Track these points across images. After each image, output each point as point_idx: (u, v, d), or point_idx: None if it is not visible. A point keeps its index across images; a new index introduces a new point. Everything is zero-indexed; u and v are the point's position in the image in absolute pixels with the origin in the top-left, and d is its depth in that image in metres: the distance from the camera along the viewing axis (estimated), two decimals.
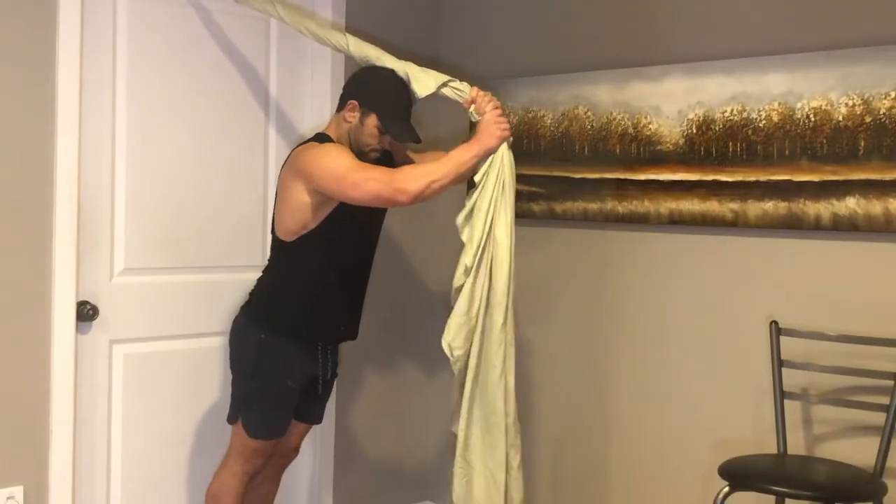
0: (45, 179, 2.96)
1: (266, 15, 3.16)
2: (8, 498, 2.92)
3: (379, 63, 2.90)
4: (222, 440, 3.44)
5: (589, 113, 3.53)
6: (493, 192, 2.74)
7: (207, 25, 3.34)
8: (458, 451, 2.83)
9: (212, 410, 3.41)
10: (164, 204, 3.27)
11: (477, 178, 2.77)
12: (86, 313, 3.07)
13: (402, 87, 2.87)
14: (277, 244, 2.96)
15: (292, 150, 2.96)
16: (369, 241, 3.06)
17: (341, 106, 2.95)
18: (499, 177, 2.75)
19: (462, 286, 2.77)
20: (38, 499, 2.99)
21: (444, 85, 2.83)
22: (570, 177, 3.52)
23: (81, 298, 3.07)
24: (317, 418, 3.19)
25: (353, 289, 3.04)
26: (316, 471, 3.69)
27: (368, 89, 2.89)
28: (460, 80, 2.86)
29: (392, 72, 2.87)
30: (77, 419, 3.07)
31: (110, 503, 3.20)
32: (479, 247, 2.75)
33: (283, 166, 2.96)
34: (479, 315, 2.77)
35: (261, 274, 3.06)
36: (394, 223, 3.63)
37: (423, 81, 2.84)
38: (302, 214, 2.84)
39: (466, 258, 2.76)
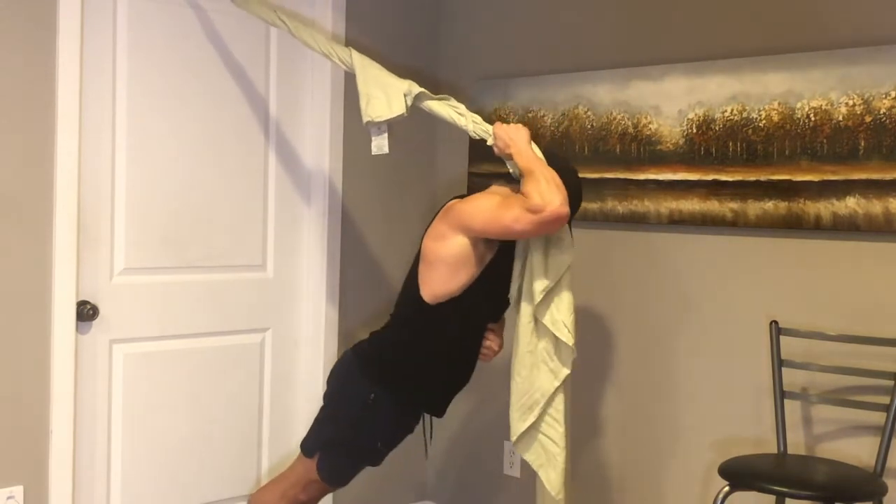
0: (45, 179, 2.96)
1: (271, 24, 3.15)
2: (8, 498, 2.92)
3: (379, 81, 2.84)
4: (222, 440, 3.44)
5: (589, 113, 3.53)
6: None
7: (207, 26, 3.34)
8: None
9: (212, 410, 3.41)
10: (165, 204, 3.27)
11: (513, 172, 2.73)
12: (86, 313, 3.07)
13: (580, 191, 2.83)
14: (415, 305, 2.78)
15: (436, 214, 2.82)
16: (495, 315, 2.93)
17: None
18: None
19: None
20: (38, 499, 2.99)
21: (460, 115, 2.80)
22: None
23: (81, 298, 3.07)
24: None
25: (472, 361, 2.89)
26: None
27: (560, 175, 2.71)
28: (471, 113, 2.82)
29: (577, 174, 2.83)
30: (77, 419, 3.07)
31: (110, 503, 3.20)
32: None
33: (427, 230, 2.81)
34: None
35: (386, 327, 2.88)
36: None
37: (436, 106, 2.82)
38: (461, 270, 2.71)
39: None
